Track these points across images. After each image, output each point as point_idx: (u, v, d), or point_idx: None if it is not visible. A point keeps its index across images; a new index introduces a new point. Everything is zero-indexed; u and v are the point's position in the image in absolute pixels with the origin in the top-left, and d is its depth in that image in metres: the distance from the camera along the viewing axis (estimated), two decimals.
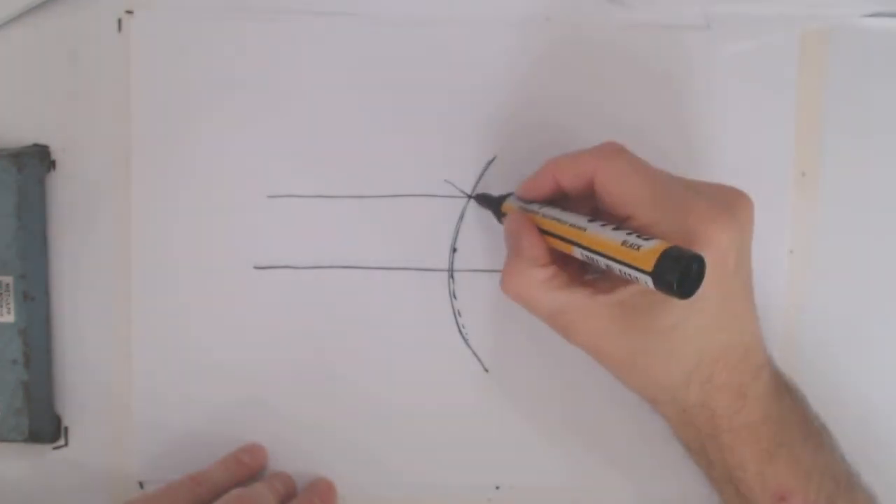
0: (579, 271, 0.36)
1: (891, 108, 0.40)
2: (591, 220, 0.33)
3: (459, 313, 0.41)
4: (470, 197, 0.40)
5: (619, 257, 0.30)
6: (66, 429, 0.41)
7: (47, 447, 0.40)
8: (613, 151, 0.33)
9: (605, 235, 0.32)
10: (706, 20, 0.40)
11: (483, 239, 0.40)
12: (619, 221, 0.33)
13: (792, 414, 0.35)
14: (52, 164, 0.40)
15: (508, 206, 0.38)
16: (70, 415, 0.41)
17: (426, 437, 0.41)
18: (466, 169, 0.40)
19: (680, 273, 0.28)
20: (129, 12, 0.39)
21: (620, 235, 0.31)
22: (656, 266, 0.28)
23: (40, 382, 0.39)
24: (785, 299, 0.41)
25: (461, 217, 0.40)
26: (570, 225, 0.33)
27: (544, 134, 0.40)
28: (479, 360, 0.41)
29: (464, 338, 0.41)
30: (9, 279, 0.38)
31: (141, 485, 0.41)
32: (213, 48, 0.39)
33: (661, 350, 0.33)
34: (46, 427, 0.40)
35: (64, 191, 0.40)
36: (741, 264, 0.33)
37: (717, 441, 0.34)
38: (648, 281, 0.29)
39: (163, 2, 0.39)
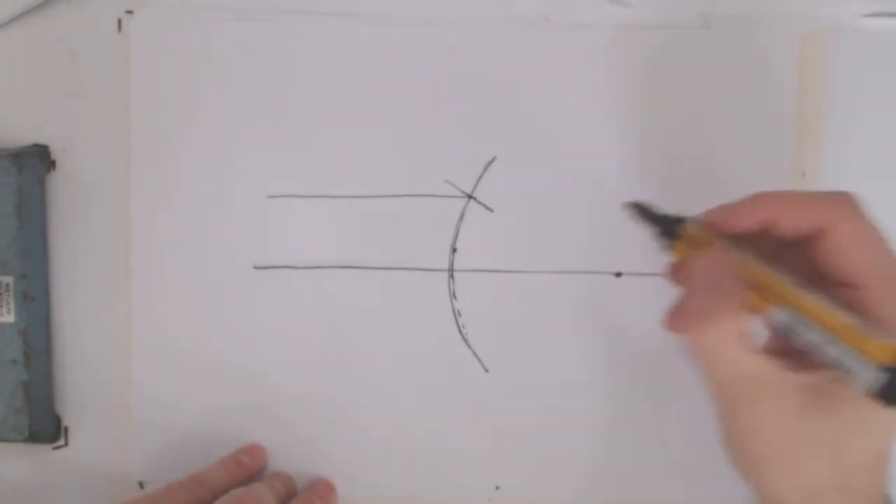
0: None
1: (891, 108, 0.40)
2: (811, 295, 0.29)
3: (459, 313, 0.41)
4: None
5: (845, 338, 0.27)
6: (66, 429, 0.41)
7: (47, 447, 0.41)
8: (856, 207, 0.30)
9: (830, 309, 0.28)
10: (706, 20, 0.40)
11: (483, 239, 0.40)
12: (830, 289, 0.30)
13: None
14: (52, 164, 0.40)
15: (694, 231, 0.32)
16: (70, 415, 0.41)
17: (426, 436, 0.41)
18: (466, 169, 0.40)
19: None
20: (129, 12, 0.39)
21: (845, 315, 0.28)
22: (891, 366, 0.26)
23: (40, 382, 0.39)
24: None
25: (461, 217, 0.40)
26: (784, 282, 0.29)
27: (544, 134, 0.40)
28: (479, 360, 0.41)
29: (464, 338, 0.41)
30: (9, 279, 0.38)
31: (141, 485, 0.41)
32: (212, 48, 0.39)
33: (827, 448, 0.29)
34: (46, 427, 0.40)
35: (64, 191, 0.40)
36: None
37: None
38: (870, 377, 0.26)
39: (163, 2, 0.39)
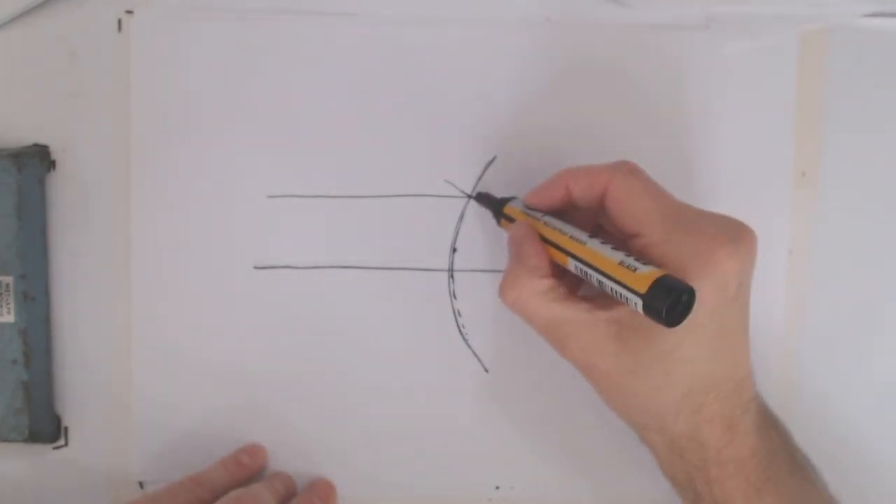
0: (574, 287, 0.36)
1: (891, 108, 0.41)
2: (591, 236, 0.33)
3: (459, 313, 0.41)
4: (470, 197, 0.40)
5: (614, 275, 0.31)
6: (66, 429, 0.41)
7: (47, 447, 0.40)
8: (629, 169, 0.34)
9: (604, 252, 0.32)
10: (706, 20, 0.40)
11: (483, 239, 0.40)
12: (624, 239, 0.34)
13: (779, 448, 0.35)
14: (52, 164, 0.40)
15: (513, 209, 0.38)
16: (70, 415, 0.41)
17: (426, 437, 0.41)
18: (466, 169, 0.40)
19: (670, 302, 0.29)
20: (129, 12, 0.39)
21: (619, 255, 0.32)
22: (648, 291, 0.29)
23: (40, 382, 0.39)
24: (785, 299, 0.41)
25: (461, 217, 0.40)
26: (571, 237, 0.34)
27: (544, 134, 0.40)
28: (479, 360, 0.41)
29: (464, 338, 0.41)
30: (9, 279, 0.38)
31: (141, 485, 0.41)
32: (213, 48, 0.39)
33: (654, 374, 0.33)
34: (46, 427, 0.40)
35: (64, 191, 0.40)
36: (741, 295, 0.33)
37: (706, 474, 0.34)
38: (638, 303, 0.30)
39: (163, 2, 0.39)
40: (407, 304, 0.40)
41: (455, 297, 0.41)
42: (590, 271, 0.33)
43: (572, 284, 0.36)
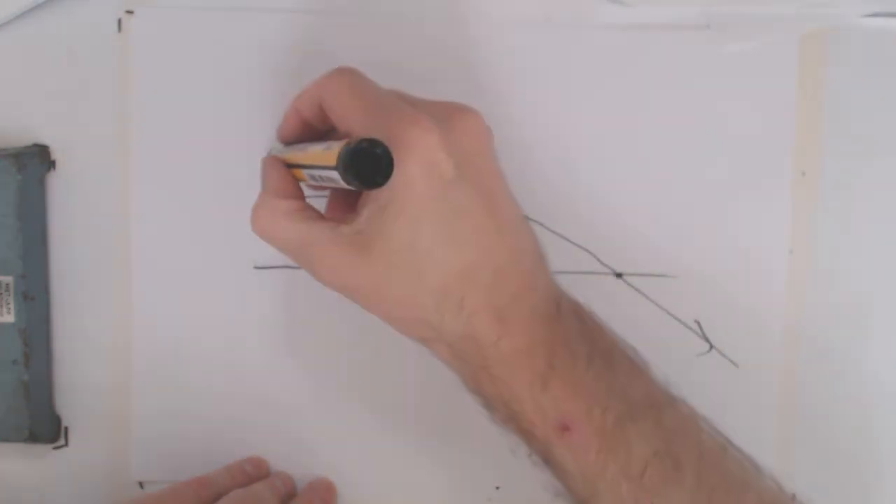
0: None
1: (891, 108, 0.40)
2: (313, 143, 0.33)
3: None
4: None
5: (318, 163, 0.31)
6: (66, 429, 0.41)
7: (47, 447, 0.40)
8: (339, 72, 0.34)
9: (313, 147, 0.32)
10: (706, 20, 0.40)
11: None
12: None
13: (574, 337, 0.32)
14: (52, 164, 0.40)
15: (277, 147, 0.37)
16: (70, 415, 0.41)
17: (426, 436, 0.41)
18: None
19: (358, 160, 0.27)
20: (129, 12, 0.39)
21: (323, 144, 0.31)
22: (339, 158, 0.28)
23: (40, 382, 0.39)
24: (785, 299, 0.41)
25: None
26: (296, 150, 0.34)
27: (544, 134, 0.40)
28: None
29: None
30: (9, 279, 0.38)
31: (141, 485, 0.41)
32: (213, 48, 0.39)
33: (406, 277, 0.31)
34: (46, 427, 0.40)
35: (64, 191, 0.40)
36: (467, 175, 0.31)
37: (489, 373, 0.32)
38: (338, 176, 0.28)
39: (163, 1, 0.39)
40: None
41: None
42: (309, 172, 0.32)
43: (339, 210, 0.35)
